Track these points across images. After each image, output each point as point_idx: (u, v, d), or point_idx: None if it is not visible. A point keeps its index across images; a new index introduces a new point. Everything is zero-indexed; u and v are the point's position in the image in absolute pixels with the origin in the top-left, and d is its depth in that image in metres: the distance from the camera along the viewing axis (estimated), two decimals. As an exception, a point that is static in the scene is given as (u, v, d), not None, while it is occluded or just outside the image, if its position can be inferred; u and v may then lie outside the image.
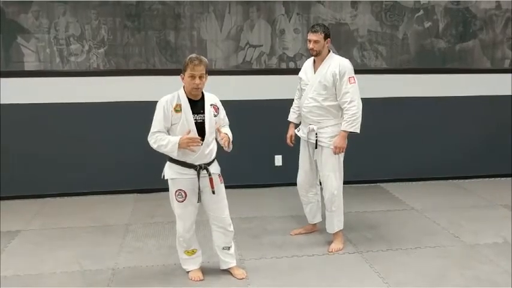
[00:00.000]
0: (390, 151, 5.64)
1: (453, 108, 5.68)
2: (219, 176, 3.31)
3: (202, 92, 3.25)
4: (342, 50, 5.34)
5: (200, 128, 3.16)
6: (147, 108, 5.11)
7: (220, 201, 3.31)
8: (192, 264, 3.44)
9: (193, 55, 3.14)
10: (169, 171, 3.24)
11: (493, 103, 5.72)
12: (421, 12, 5.49)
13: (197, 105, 3.20)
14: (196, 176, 3.19)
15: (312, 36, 3.70)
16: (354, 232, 4.21)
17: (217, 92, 5.30)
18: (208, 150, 3.22)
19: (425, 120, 5.66)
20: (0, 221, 4.46)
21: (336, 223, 3.88)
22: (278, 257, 3.75)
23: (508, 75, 5.73)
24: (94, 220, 4.54)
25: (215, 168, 3.29)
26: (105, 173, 5.21)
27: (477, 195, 5.28)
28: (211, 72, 5.12)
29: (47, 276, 3.46)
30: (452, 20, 5.56)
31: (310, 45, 3.72)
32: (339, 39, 5.36)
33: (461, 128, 5.75)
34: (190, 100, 3.18)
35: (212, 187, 3.22)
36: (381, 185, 5.63)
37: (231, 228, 3.38)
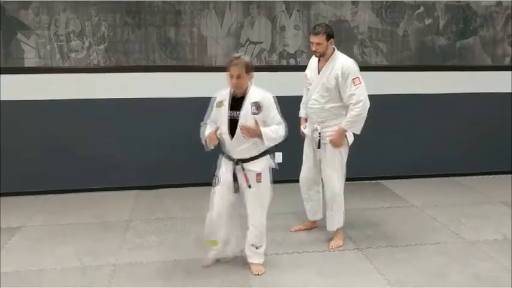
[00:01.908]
0: (390, 148, 5.63)
1: (453, 105, 5.68)
2: (257, 175, 3.33)
3: (249, 90, 3.32)
4: (342, 47, 5.32)
5: (234, 124, 3.28)
6: (148, 105, 5.16)
7: (253, 199, 3.38)
8: (209, 252, 3.55)
9: (235, 55, 3.34)
10: (219, 159, 3.44)
11: (493, 100, 5.72)
12: (422, 9, 5.49)
13: (239, 102, 3.30)
14: (233, 169, 3.33)
15: (314, 39, 3.65)
16: (354, 229, 4.21)
17: (218, 88, 5.29)
18: (242, 147, 3.29)
19: (426, 117, 5.66)
20: (0, 217, 4.47)
21: (336, 222, 3.88)
22: (278, 253, 3.76)
23: (508, 73, 5.72)
24: (95, 216, 4.55)
25: (255, 166, 3.33)
26: (105, 169, 5.21)
27: (477, 192, 5.29)
28: (210, 69, 5.19)
29: (48, 272, 3.47)
30: (453, 17, 5.55)
31: (313, 48, 3.67)
32: (340, 36, 5.35)
33: (461, 125, 5.75)
34: (234, 97, 3.30)
35: (246, 181, 3.31)
36: (381, 182, 5.63)
37: (261, 229, 3.44)
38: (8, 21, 4.85)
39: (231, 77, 3.23)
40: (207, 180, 5.33)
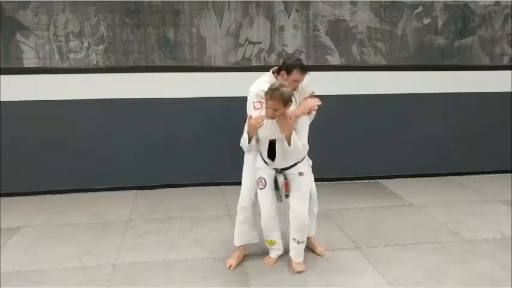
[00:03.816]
0: (389, 147, 5.63)
1: (453, 104, 5.68)
2: (300, 173, 3.35)
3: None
4: (341, 46, 5.35)
5: (272, 146, 3.29)
6: (147, 105, 5.15)
7: (295, 192, 3.38)
8: (270, 252, 3.61)
9: (271, 87, 3.17)
10: (258, 161, 3.42)
11: (492, 100, 5.73)
12: (420, 8, 5.50)
13: None
14: (274, 172, 3.36)
15: (304, 77, 3.46)
16: (353, 228, 4.22)
17: (216, 88, 5.29)
18: (283, 160, 3.31)
19: (425, 117, 5.66)
20: (0, 218, 4.48)
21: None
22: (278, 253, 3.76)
23: (507, 72, 5.73)
24: (94, 216, 4.55)
25: (297, 169, 3.34)
26: (105, 169, 5.21)
27: (476, 191, 5.30)
28: (210, 69, 5.19)
29: (48, 272, 3.48)
30: (451, 16, 5.56)
31: (298, 84, 3.47)
32: (338, 35, 5.37)
33: (460, 124, 5.75)
34: None
35: (285, 191, 3.37)
36: (380, 181, 5.63)
37: (303, 223, 3.43)
38: (7, 22, 4.85)
39: (267, 107, 3.19)
40: (206, 180, 5.38)
